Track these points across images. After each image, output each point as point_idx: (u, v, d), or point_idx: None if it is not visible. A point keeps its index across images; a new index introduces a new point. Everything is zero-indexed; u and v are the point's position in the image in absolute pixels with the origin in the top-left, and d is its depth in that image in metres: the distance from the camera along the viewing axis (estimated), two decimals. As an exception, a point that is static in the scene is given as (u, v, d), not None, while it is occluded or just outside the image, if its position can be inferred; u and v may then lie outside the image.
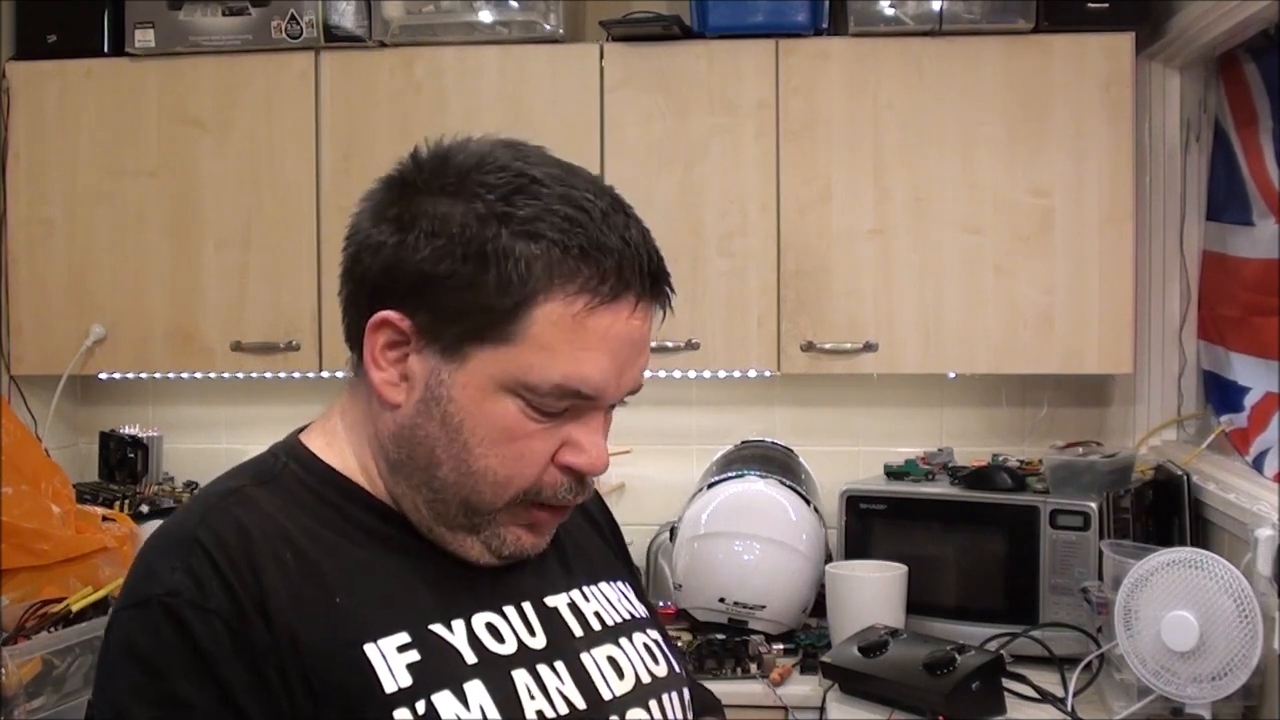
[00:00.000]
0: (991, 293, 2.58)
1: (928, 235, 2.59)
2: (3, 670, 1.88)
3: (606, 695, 1.03)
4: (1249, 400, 2.47)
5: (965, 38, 2.57)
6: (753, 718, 2.35)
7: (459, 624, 0.99)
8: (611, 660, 1.06)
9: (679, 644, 2.46)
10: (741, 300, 2.65)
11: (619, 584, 1.17)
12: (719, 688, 2.37)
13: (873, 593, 2.38)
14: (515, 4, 2.70)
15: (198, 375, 2.92)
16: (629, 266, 0.95)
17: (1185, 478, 2.43)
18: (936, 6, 2.55)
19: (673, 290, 1.01)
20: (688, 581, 2.56)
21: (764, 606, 2.49)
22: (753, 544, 2.52)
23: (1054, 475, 2.43)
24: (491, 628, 1.00)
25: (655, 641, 1.13)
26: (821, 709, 2.26)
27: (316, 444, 1.05)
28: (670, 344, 2.66)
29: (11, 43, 2.83)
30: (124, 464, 3.01)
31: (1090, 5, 2.51)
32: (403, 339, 0.97)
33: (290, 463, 1.04)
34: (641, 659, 1.09)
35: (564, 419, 0.98)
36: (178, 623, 0.90)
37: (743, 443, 2.85)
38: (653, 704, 1.07)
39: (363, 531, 1.00)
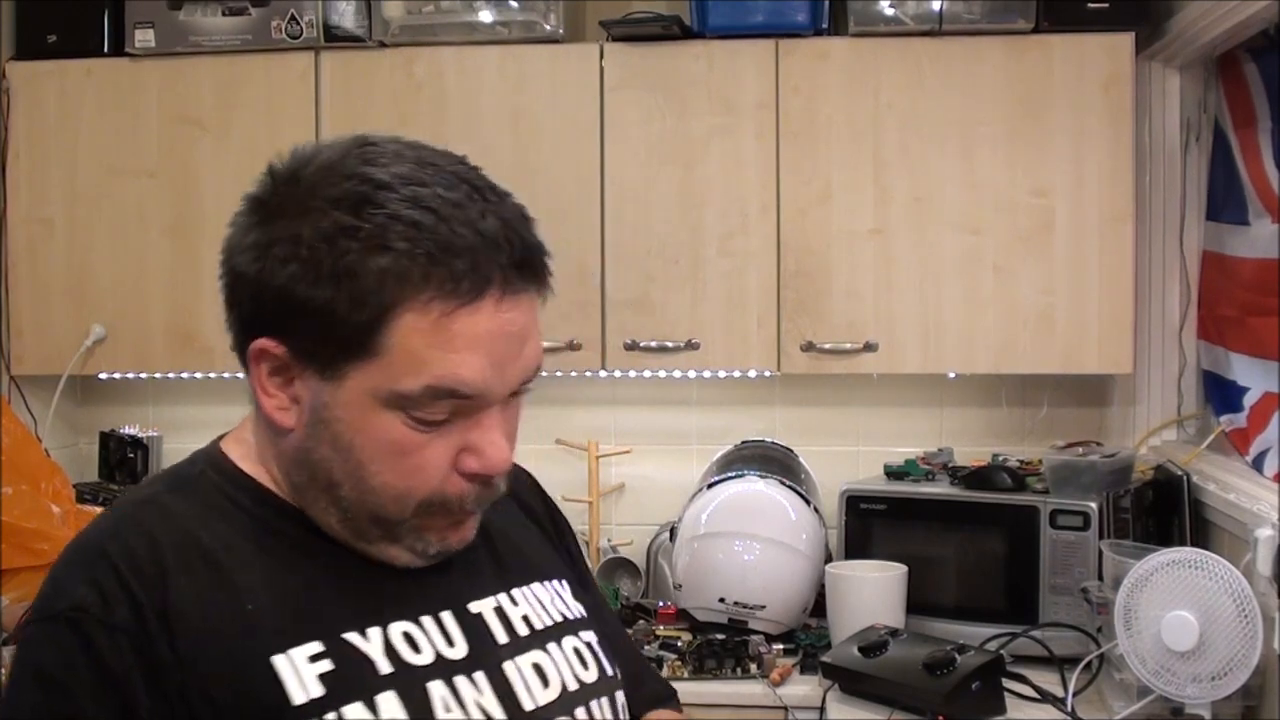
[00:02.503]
0: (991, 293, 2.58)
1: (928, 235, 2.59)
2: (2, 670, 1.88)
3: (528, 705, 1.01)
4: (1248, 400, 2.47)
5: (965, 38, 2.57)
6: (753, 718, 2.35)
7: (375, 632, 0.96)
8: (537, 668, 1.04)
9: (679, 644, 2.47)
10: (741, 300, 2.65)
11: (554, 583, 1.14)
12: (719, 688, 2.39)
13: (873, 593, 2.38)
14: (515, 4, 2.70)
15: (198, 375, 2.92)
16: (485, 261, 0.91)
17: (1185, 478, 2.43)
18: (936, 6, 2.55)
19: (548, 270, 0.97)
20: (688, 581, 2.56)
21: (764, 606, 2.49)
22: (753, 544, 2.52)
23: (1054, 475, 2.43)
24: (408, 637, 0.98)
25: (588, 645, 1.10)
26: (821, 709, 2.26)
27: (234, 452, 1.04)
28: (670, 344, 2.66)
29: (11, 43, 2.83)
30: (124, 464, 3.01)
31: (1090, 5, 2.51)
32: (284, 364, 0.95)
33: (208, 469, 1.03)
34: (570, 665, 1.07)
35: (455, 424, 0.95)
36: (83, 639, 0.89)
37: (743, 443, 2.85)
38: (579, 712, 1.04)
39: (279, 538, 0.99)
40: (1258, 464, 2.38)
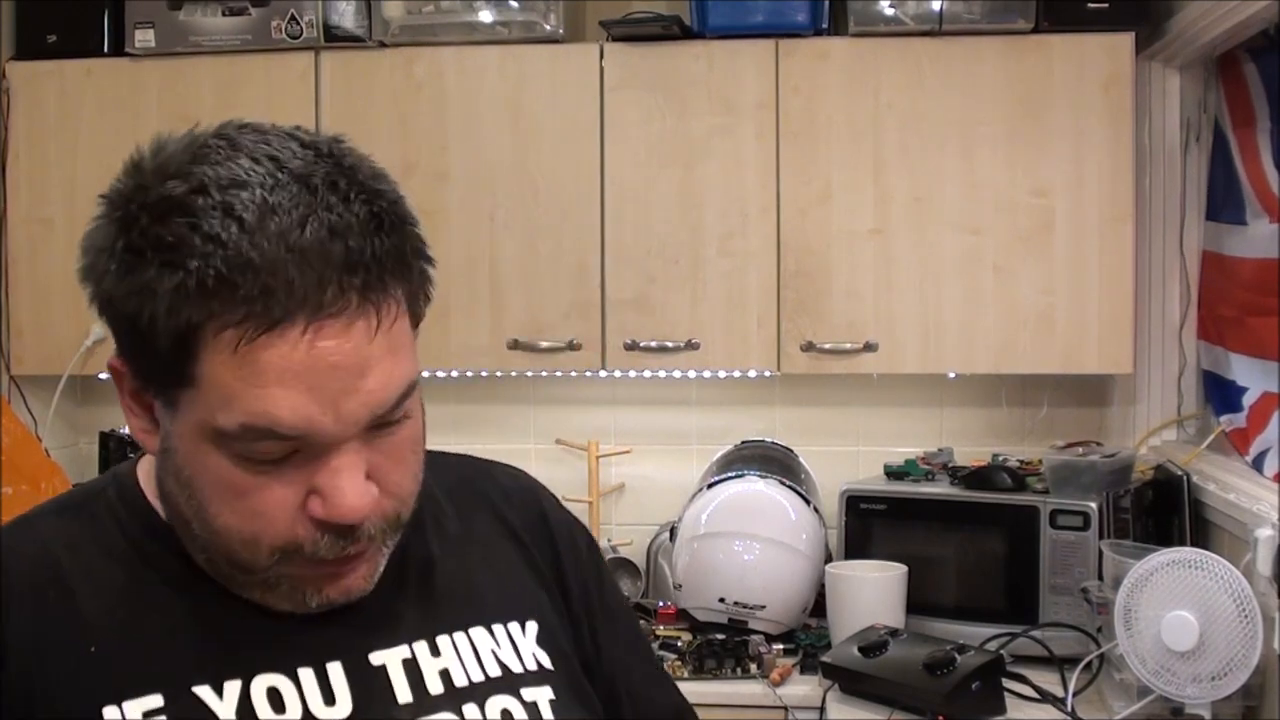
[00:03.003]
0: (991, 293, 2.58)
1: (928, 235, 2.59)
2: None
3: None
4: (1247, 400, 2.48)
5: (965, 38, 2.57)
6: (752, 718, 2.35)
7: (233, 686, 0.85)
8: None
9: (679, 644, 2.47)
10: (741, 300, 2.65)
11: (509, 627, 0.97)
12: (719, 688, 2.39)
13: (873, 593, 2.39)
14: (515, 4, 2.70)
15: (198, 375, 2.91)
16: (288, 281, 0.77)
17: (1185, 478, 2.43)
18: (936, 6, 2.55)
19: (401, 284, 0.83)
20: (688, 581, 2.56)
21: (764, 606, 2.49)
22: (753, 544, 2.52)
23: (1054, 475, 2.43)
24: (274, 693, 0.86)
25: (528, 704, 0.93)
26: (821, 709, 2.26)
27: (143, 470, 0.94)
28: (670, 344, 2.66)
29: (11, 43, 2.83)
30: (124, 464, 3.00)
31: (1090, 5, 2.51)
32: (137, 384, 0.86)
33: (109, 489, 0.94)
34: None
35: (300, 463, 0.82)
36: None
37: (743, 443, 2.85)
38: None
39: (157, 574, 0.88)
40: (1258, 464, 2.38)
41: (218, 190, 0.79)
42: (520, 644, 0.97)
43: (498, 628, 0.97)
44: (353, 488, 0.83)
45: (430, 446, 0.93)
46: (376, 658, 0.91)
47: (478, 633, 0.96)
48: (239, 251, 0.77)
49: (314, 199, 0.80)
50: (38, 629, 0.85)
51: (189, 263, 0.77)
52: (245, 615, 0.88)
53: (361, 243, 0.80)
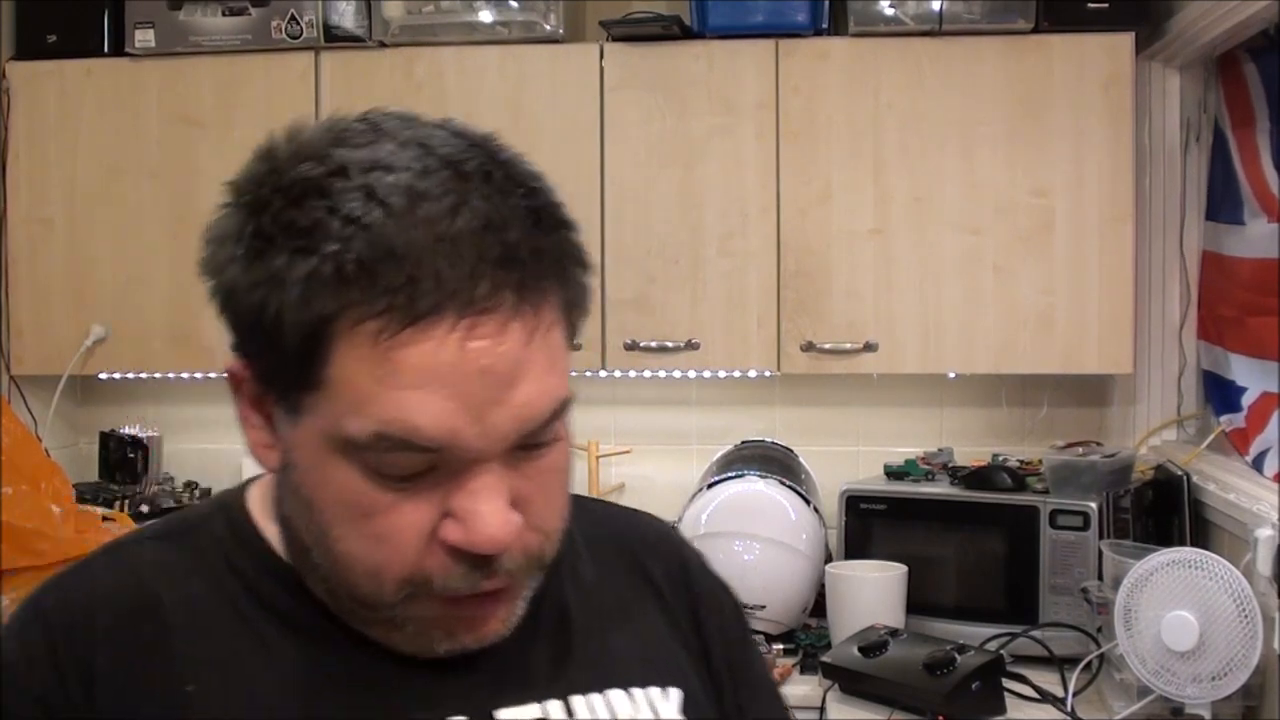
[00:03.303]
0: (991, 293, 2.58)
1: (928, 235, 2.59)
2: None
3: None
4: (1246, 400, 2.48)
5: (965, 38, 2.57)
6: (753, 718, 2.34)
7: None
8: None
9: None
10: (741, 300, 2.65)
11: (650, 692, 0.87)
12: (719, 688, 2.39)
13: (873, 593, 2.39)
14: (515, 4, 2.70)
15: (198, 375, 2.92)
16: (438, 271, 0.70)
17: (1185, 478, 2.43)
18: (936, 6, 2.55)
19: (563, 286, 0.76)
20: (688, 581, 2.56)
21: (764, 606, 2.49)
22: (753, 544, 2.52)
23: (1054, 475, 2.43)
24: None
25: None
26: (821, 709, 2.26)
27: (255, 499, 0.87)
28: (670, 344, 2.66)
29: (11, 43, 2.83)
30: (124, 464, 3.01)
31: (1090, 5, 2.51)
32: (259, 392, 0.79)
33: (217, 516, 0.86)
34: None
35: (437, 481, 0.74)
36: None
37: (743, 443, 2.85)
38: None
39: (268, 611, 0.81)
40: (1258, 464, 2.38)
41: (359, 173, 0.72)
42: (661, 711, 0.87)
43: (637, 692, 0.87)
44: (494, 512, 0.74)
45: None
46: (504, 715, 0.81)
47: (616, 696, 0.86)
48: (382, 237, 0.70)
49: (467, 187, 0.72)
50: (132, 663, 0.78)
51: (325, 248, 0.70)
52: (360, 659, 0.80)
53: (519, 237, 0.72)
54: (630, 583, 0.94)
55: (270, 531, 0.84)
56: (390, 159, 0.72)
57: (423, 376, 0.71)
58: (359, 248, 0.70)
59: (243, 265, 0.74)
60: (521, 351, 0.73)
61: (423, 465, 0.73)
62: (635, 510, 1.03)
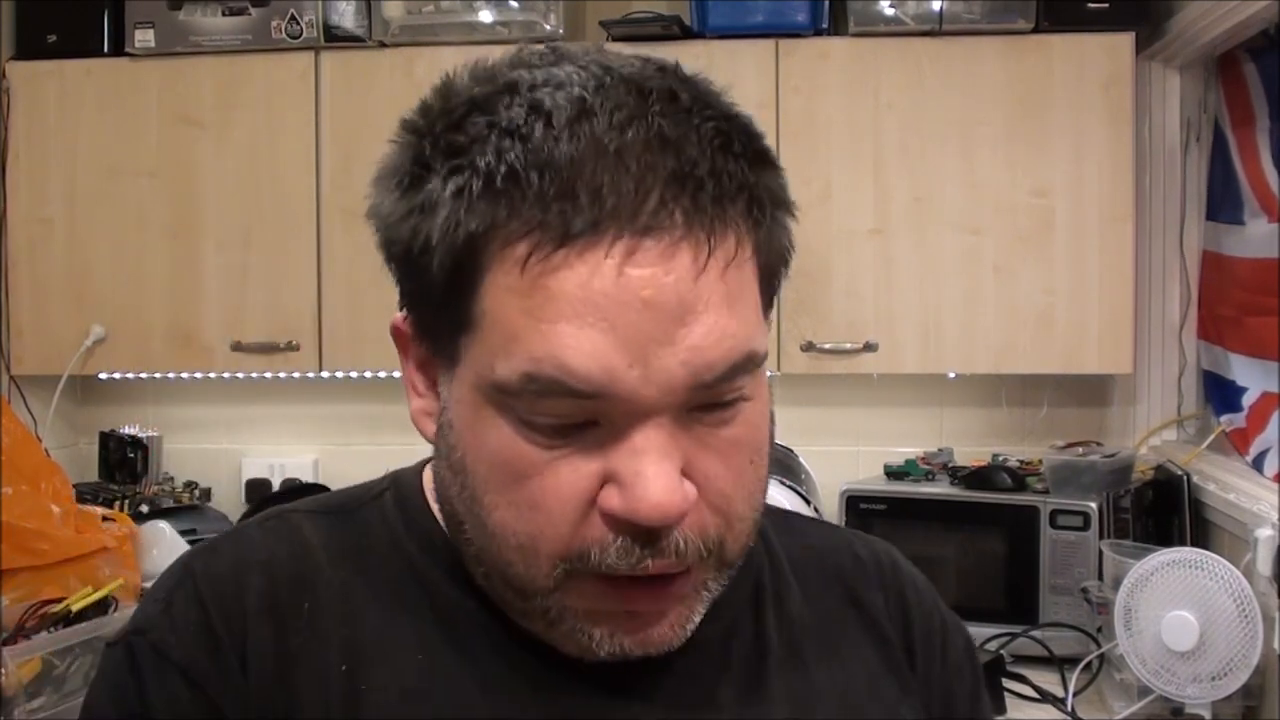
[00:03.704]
0: (991, 293, 2.58)
1: (928, 235, 2.59)
2: (3, 670, 1.88)
3: None
4: (1247, 400, 2.48)
5: (965, 38, 2.57)
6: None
7: None
8: None
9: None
10: (741, 300, 2.64)
11: None
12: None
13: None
14: (515, 4, 2.70)
15: (198, 375, 2.91)
16: (598, 187, 0.61)
17: (1185, 478, 2.43)
18: (936, 6, 2.55)
19: (753, 219, 0.67)
20: (688, 581, 2.56)
21: (764, 606, 2.49)
22: (753, 544, 2.52)
23: (1054, 475, 2.43)
24: None
25: None
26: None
27: (429, 477, 0.79)
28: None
29: (11, 43, 2.83)
30: (124, 464, 3.01)
31: (1090, 5, 2.51)
32: (424, 351, 0.72)
33: (388, 493, 0.80)
34: None
35: (597, 441, 0.65)
36: (134, 671, 0.72)
37: (743, 443, 2.84)
38: None
39: (428, 597, 0.74)
40: (1258, 464, 2.38)
41: (528, 89, 0.64)
42: None
43: None
44: (659, 475, 0.64)
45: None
46: None
47: None
48: (539, 148, 0.62)
49: (644, 104, 0.64)
50: (290, 638, 0.72)
51: (478, 162, 0.63)
52: (519, 663, 0.72)
53: (698, 155, 0.63)
54: (841, 613, 0.82)
55: (439, 512, 0.76)
56: (565, 77, 0.65)
57: (576, 307, 0.62)
58: (512, 159, 0.62)
59: (398, 196, 0.68)
60: (694, 284, 0.63)
61: (579, 416, 0.64)
62: (850, 530, 0.92)
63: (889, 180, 2.60)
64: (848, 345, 2.62)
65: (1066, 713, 2.11)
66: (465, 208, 0.63)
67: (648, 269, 0.62)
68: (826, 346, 2.62)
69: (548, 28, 2.68)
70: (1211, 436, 2.57)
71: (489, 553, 0.69)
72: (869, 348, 2.61)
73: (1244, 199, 2.48)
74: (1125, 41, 2.54)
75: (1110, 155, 2.55)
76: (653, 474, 0.63)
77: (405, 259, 0.67)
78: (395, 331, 0.74)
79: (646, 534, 0.65)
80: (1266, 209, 2.39)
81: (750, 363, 0.66)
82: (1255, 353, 2.45)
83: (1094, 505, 2.33)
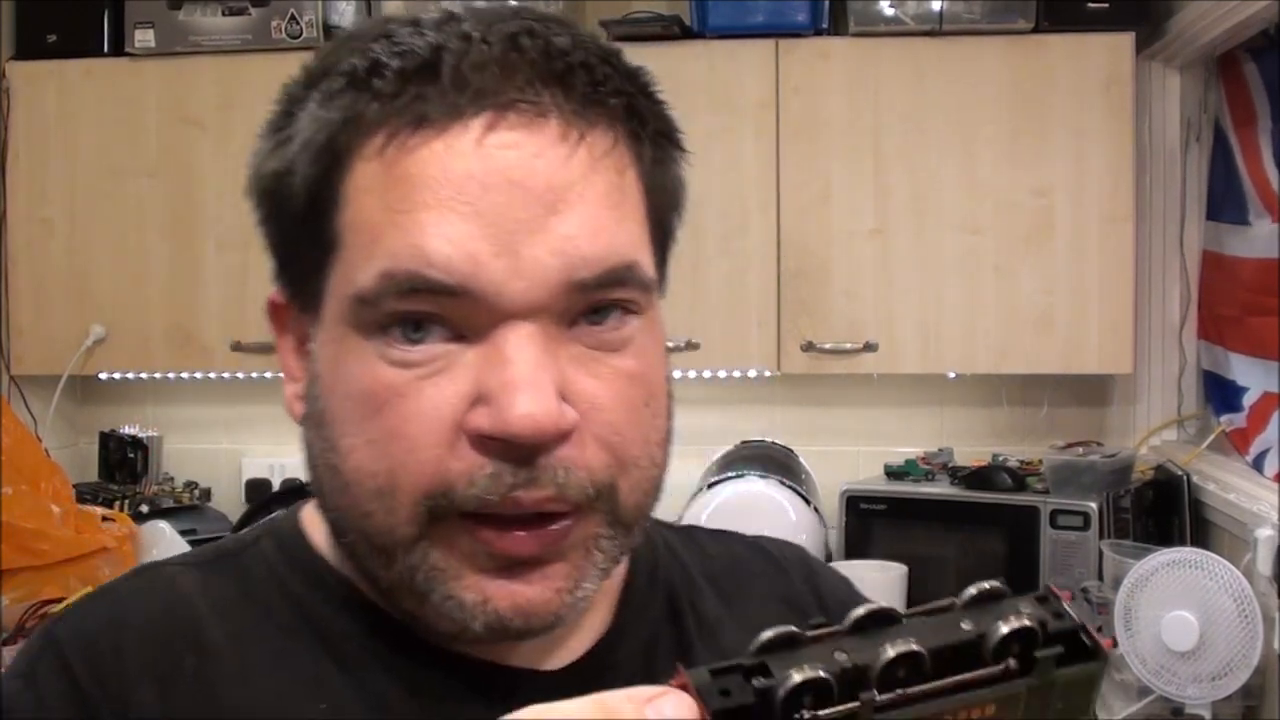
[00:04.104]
0: (991, 293, 2.58)
1: (928, 235, 2.59)
2: (3, 670, 1.88)
3: None
4: (1247, 400, 2.48)
5: (965, 38, 2.57)
6: (753, 718, 2.34)
7: None
8: None
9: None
10: (741, 300, 2.65)
11: None
12: (719, 688, 2.38)
13: (872, 593, 2.36)
14: (515, 4, 2.70)
15: (198, 375, 2.92)
16: (458, 67, 0.58)
17: (1185, 478, 2.43)
18: (936, 6, 2.55)
19: (598, 106, 0.60)
20: (688, 581, 2.56)
21: (764, 606, 2.49)
22: (753, 544, 2.52)
23: (1054, 475, 2.43)
24: None
25: None
26: (821, 709, 2.25)
27: (308, 513, 0.72)
28: (669, 344, 2.65)
29: (11, 43, 2.83)
30: (124, 464, 3.01)
31: (1090, 5, 2.51)
32: (293, 313, 0.67)
33: (266, 538, 0.72)
34: None
35: (466, 359, 0.59)
36: None
37: (743, 443, 2.85)
38: None
39: (321, 639, 0.67)
40: (1258, 464, 2.38)
41: (398, 26, 0.61)
42: None
43: None
44: (530, 382, 0.57)
45: None
46: None
47: None
48: (403, 41, 0.59)
49: (518, 15, 0.60)
50: (174, 699, 0.64)
51: (342, 65, 0.61)
52: (424, 684, 0.65)
53: (572, 48, 0.59)
54: (761, 610, 0.79)
55: (323, 541, 0.70)
56: (433, 12, 0.62)
57: (436, 191, 0.57)
58: (376, 53, 0.59)
59: (268, 136, 0.65)
60: (565, 165, 0.58)
61: (442, 313, 0.58)
62: (755, 535, 0.89)
63: (889, 180, 2.60)
64: (848, 345, 2.62)
65: (1066, 713, 2.11)
66: (326, 106, 0.60)
67: (513, 148, 0.57)
68: (826, 346, 2.62)
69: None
70: (1211, 436, 2.57)
71: (348, 511, 0.62)
72: (869, 348, 2.61)
73: (1247, 199, 2.48)
74: (1125, 41, 2.54)
75: (1110, 155, 2.55)
76: (523, 382, 0.57)
77: (272, 195, 0.63)
78: (271, 308, 0.68)
79: (519, 457, 0.58)
80: (1269, 209, 2.39)
81: (635, 276, 0.61)
82: (1256, 353, 2.45)
83: (1094, 505, 2.33)
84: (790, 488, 2.62)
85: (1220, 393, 2.61)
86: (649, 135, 0.65)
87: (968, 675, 0.40)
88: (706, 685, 0.39)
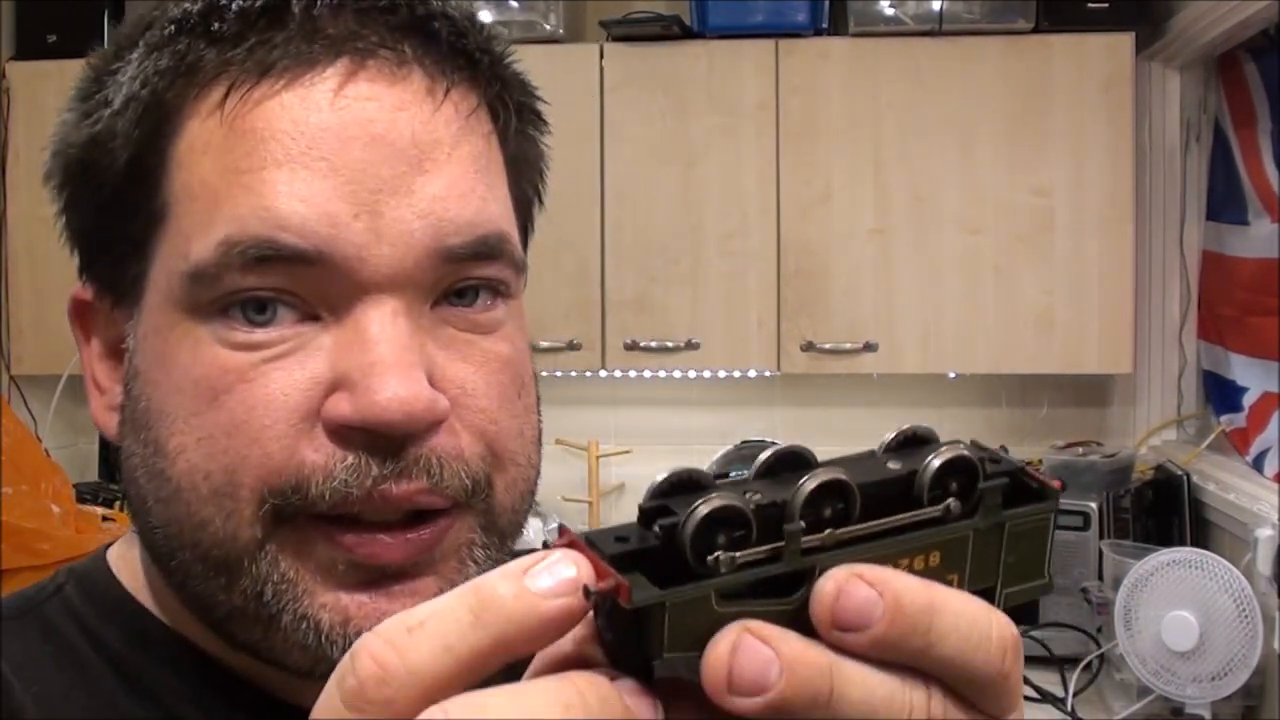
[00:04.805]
0: (991, 293, 2.58)
1: (928, 235, 2.59)
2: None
3: None
4: (1247, 400, 2.48)
5: (965, 38, 2.57)
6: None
7: None
8: None
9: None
10: (741, 300, 2.65)
11: None
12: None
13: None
14: (515, 4, 2.70)
15: (198, 375, 2.91)
16: (311, 11, 0.52)
17: (1185, 478, 2.43)
18: (936, 6, 2.55)
19: (456, 65, 0.55)
20: (688, 581, 2.56)
21: (764, 606, 2.49)
22: (753, 544, 2.52)
23: (1054, 475, 2.43)
24: None
25: None
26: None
27: (115, 554, 0.62)
28: (670, 344, 2.66)
29: (11, 43, 2.83)
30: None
31: (1090, 5, 2.51)
32: (105, 323, 0.58)
33: (67, 585, 0.61)
34: None
35: (319, 341, 0.52)
36: None
37: (743, 443, 2.84)
38: None
39: (140, 696, 0.57)
40: (1258, 464, 2.38)
41: None
42: None
43: None
44: (398, 363, 0.50)
45: None
46: None
47: None
48: None
49: None
50: None
51: (170, 12, 0.53)
52: None
53: (436, 8, 0.54)
54: None
55: (140, 584, 0.60)
56: None
57: (287, 146, 0.50)
58: (199, 7, 0.52)
59: (77, 104, 0.56)
60: (429, 121, 0.52)
61: (293, 288, 0.51)
62: None
63: (889, 180, 2.60)
64: (848, 345, 2.62)
65: (1066, 713, 2.11)
66: (153, 58, 0.52)
67: (373, 100, 0.51)
68: (826, 346, 2.62)
69: (548, 27, 2.68)
70: (1211, 436, 2.57)
71: (179, 527, 0.52)
72: (869, 348, 2.61)
73: (1247, 199, 2.48)
74: (1125, 41, 2.54)
75: (1110, 155, 2.55)
76: (389, 363, 0.50)
77: (81, 169, 0.55)
78: (75, 306, 0.59)
79: (391, 451, 0.50)
80: (1269, 209, 2.39)
81: (507, 251, 0.55)
82: (1256, 353, 2.45)
83: (1094, 505, 2.33)
84: (790, 488, 2.62)
85: (1220, 393, 2.61)
86: (513, 101, 0.58)
87: (903, 517, 0.35)
88: (599, 535, 0.33)
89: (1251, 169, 2.46)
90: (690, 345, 2.66)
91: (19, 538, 2.12)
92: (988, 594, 0.37)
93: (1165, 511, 2.46)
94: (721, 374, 2.84)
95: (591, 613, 0.32)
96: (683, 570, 0.33)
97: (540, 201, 0.63)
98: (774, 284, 2.63)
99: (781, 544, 0.34)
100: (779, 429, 2.93)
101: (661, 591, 0.32)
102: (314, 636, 0.52)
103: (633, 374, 2.84)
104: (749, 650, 0.31)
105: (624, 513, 2.99)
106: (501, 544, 0.57)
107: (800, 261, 2.63)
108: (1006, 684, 0.34)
